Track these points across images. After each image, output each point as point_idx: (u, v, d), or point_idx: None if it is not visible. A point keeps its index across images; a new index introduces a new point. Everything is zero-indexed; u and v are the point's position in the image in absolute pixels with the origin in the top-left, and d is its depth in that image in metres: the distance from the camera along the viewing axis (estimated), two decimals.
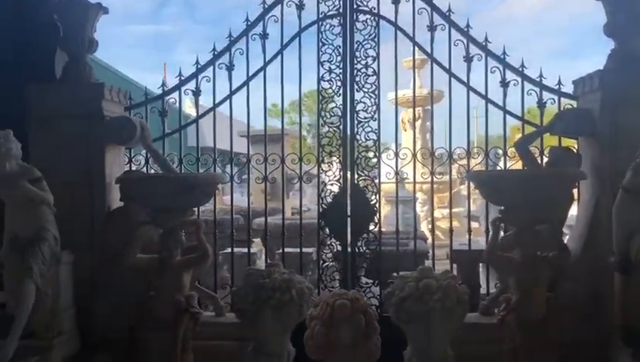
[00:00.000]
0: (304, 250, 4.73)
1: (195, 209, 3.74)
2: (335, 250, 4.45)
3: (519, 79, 4.29)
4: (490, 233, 3.34)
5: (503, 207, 3.22)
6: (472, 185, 4.39)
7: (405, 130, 12.20)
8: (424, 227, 10.26)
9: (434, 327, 2.94)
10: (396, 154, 4.44)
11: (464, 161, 4.51)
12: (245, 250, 5.12)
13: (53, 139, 3.74)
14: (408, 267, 4.48)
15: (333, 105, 4.45)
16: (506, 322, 3.18)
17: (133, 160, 4.39)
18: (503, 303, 3.24)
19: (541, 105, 4.29)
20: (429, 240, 6.45)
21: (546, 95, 4.28)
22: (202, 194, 3.28)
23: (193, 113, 4.72)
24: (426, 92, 10.37)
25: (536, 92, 4.27)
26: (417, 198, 8.80)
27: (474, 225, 7.48)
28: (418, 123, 12.32)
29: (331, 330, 3.40)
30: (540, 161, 4.01)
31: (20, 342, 3.16)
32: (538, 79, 4.26)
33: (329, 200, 4.44)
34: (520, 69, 4.28)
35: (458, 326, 3.04)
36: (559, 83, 4.26)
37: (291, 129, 11.14)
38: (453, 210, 6.83)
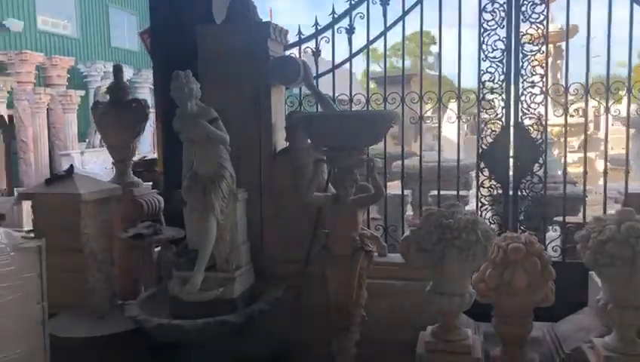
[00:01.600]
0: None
1: None
2: (495, 192, 4.26)
3: None
4: None
5: None
6: None
7: None
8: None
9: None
10: (565, 89, 4.11)
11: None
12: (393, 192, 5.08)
13: (220, 79, 3.78)
14: (568, 212, 4.26)
15: (495, 37, 4.17)
16: None
17: (286, 101, 4.41)
18: None
19: None
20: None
21: None
22: (378, 132, 3.19)
23: None
24: (559, 26, 9.62)
25: None
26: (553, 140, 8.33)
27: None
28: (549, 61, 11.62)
29: (505, 273, 3.29)
30: None
31: (205, 274, 3.32)
32: None
33: (489, 140, 4.23)
34: None
35: None
36: None
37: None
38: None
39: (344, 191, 3.21)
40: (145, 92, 16.43)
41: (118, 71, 4.73)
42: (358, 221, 3.27)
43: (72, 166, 4.22)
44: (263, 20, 3.90)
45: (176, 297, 3.34)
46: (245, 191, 3.59)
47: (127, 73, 17.17)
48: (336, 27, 4.36)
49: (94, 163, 12.11)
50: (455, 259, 2.91)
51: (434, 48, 21.93)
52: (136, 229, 4.01)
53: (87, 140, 14.47)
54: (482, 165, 4.26)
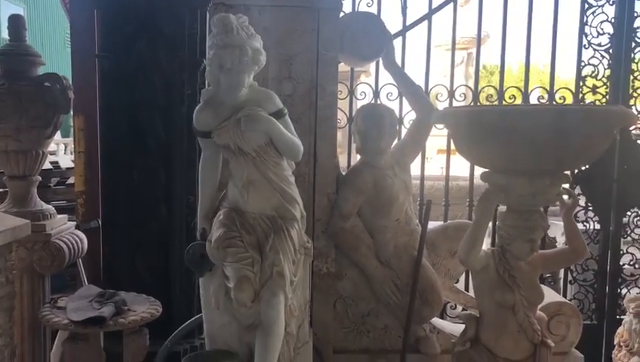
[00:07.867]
0: None
1: None
2: (591, 227, 3.16)
3: None
4: None
5: None
6: None
7: None
8: None
9: None
10: None
11: None
12: None
13: None
14: None
15: (602, 18, 3.08)
16: None
17: None
18: None
19: None
20: None
21: None
22: (606, 140, 1.81)
23: None
24: None
25: None
26: None
27: None
28: None
29: None
30: None
31: None
32: None
33: None
34: None
35: None
36: None
37: None
38: None
39: (526, 249, 1.83)
40: None
41: (17, 24, 2.81)
42: (541, 296, 1.92)
43: None
44: None
45: None
46: (310, 241, 2.04)
47: None
48: None
49: None
50: None
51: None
52: (82, 304, 2.20)
53: None
54: (578, 191, 3.13)
